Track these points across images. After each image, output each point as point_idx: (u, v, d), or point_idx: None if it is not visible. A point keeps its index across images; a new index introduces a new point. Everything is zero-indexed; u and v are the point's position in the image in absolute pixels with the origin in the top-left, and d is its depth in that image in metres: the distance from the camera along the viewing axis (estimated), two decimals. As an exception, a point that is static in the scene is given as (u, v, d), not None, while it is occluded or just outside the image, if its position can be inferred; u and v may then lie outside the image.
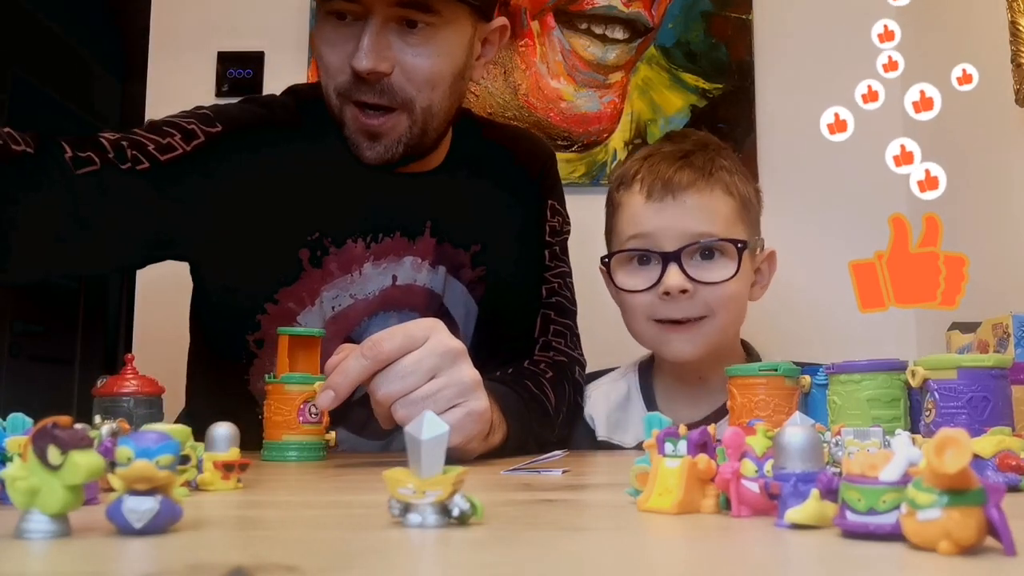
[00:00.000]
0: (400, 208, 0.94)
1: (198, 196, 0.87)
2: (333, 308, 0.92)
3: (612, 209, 1.02)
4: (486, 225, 0.99)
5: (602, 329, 1.18)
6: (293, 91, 1.00)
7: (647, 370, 1.07)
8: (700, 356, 0.96)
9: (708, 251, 0.94)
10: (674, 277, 0.93)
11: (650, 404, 1.04)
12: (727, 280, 0.94)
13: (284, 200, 0.90)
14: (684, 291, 0.93)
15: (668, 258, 0.93)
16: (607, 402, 1.05)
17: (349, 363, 0.65)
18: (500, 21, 0.94)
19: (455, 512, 0.32)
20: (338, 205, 0.92)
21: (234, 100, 0.99)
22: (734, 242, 0.95)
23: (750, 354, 1.06)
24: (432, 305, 0.96)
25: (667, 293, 0.93)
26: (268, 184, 0.90)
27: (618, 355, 1.15)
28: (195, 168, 0.86)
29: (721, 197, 0.97)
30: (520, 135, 1.13)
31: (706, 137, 1.06)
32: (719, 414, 0.97)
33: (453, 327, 0.98)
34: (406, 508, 0.32)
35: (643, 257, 0.96)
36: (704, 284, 0.93)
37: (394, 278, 0.94)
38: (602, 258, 1.02)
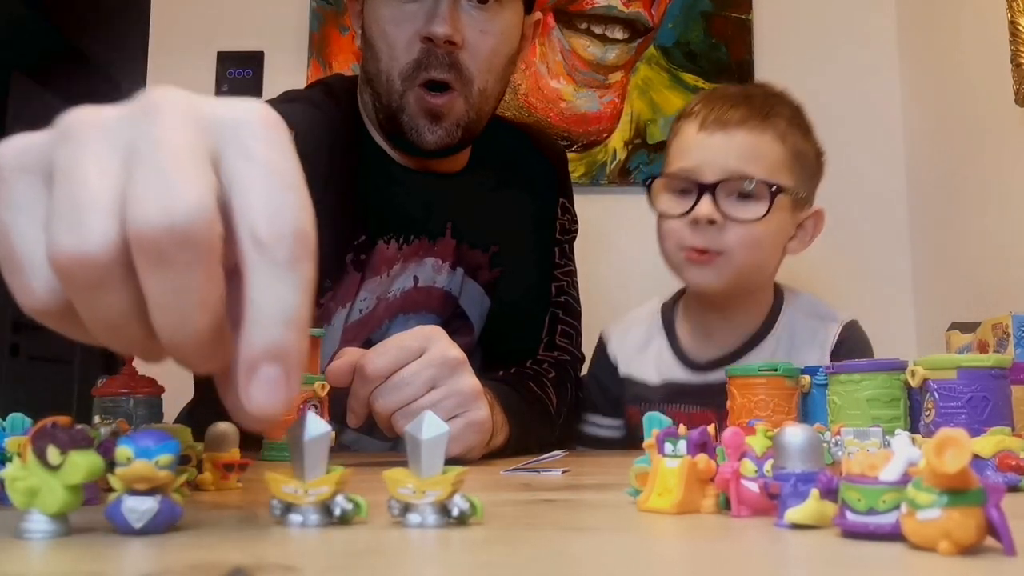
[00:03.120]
0: (426, 209, 0.94)
1: None
2: (361, 311, 0.92)
3: (670, 139, 1.07)
4: (504, 225, 0.99)
5: (598, 329, 1.18)
6: (326, 86, 0.99)
7: (670, 311, 1.11)
8: (718, 289, 1.01)
9: (746, 193, 0.97)
10: (705, 207, 0.96)
11: (672, 339, 1.08)
12: (755, 220, 0.97)
13: (336, 205, 0.89)
14: (712, 221, 0.96)
15: (703, 189, 0.97)
16: (629, 339, 1.10)
17: (355, 385, 0.65)
18: (537, 15, 0.96)
19: (455, 512, 0.32)
20: (376, 206, 0.92)
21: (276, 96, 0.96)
22: (769, 185, 0.97)
23: (777, 297, 1.08)
24: (448, 307, 0.97)
25: (696, 221, 0.97)
26: (325, 188, 0.90)
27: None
28: None
29: (770, 142, 1.00)
30: (535, 134, 1.14)
31: (776, 89, 1.09)
32: (735, 355, 1.04)
33: (468, 328, 0.98)
34: (406, 508, 0.32)
35: (684, 188, 1.00)
36: (732, 220, 0.97)
37: (415, 279, 0.94)
38: (645, 180, 1.06)
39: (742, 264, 0.99)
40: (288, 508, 0.32)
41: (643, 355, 1.09)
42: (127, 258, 0.27)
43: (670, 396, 1.05)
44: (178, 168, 0.28)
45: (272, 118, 0.31)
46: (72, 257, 0.27)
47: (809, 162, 1.04)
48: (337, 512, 0.32)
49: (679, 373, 1.06)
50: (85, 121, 0.29)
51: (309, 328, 0.30)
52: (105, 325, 0.29)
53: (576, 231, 1.10)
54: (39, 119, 0.31)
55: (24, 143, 0.30)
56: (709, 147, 0.99)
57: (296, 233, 0.29)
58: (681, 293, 1.13)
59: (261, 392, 0.29)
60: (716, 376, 1.00)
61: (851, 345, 1.04)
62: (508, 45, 0.90)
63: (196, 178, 0.28)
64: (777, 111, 1.01)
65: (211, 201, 0.28)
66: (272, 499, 0.33)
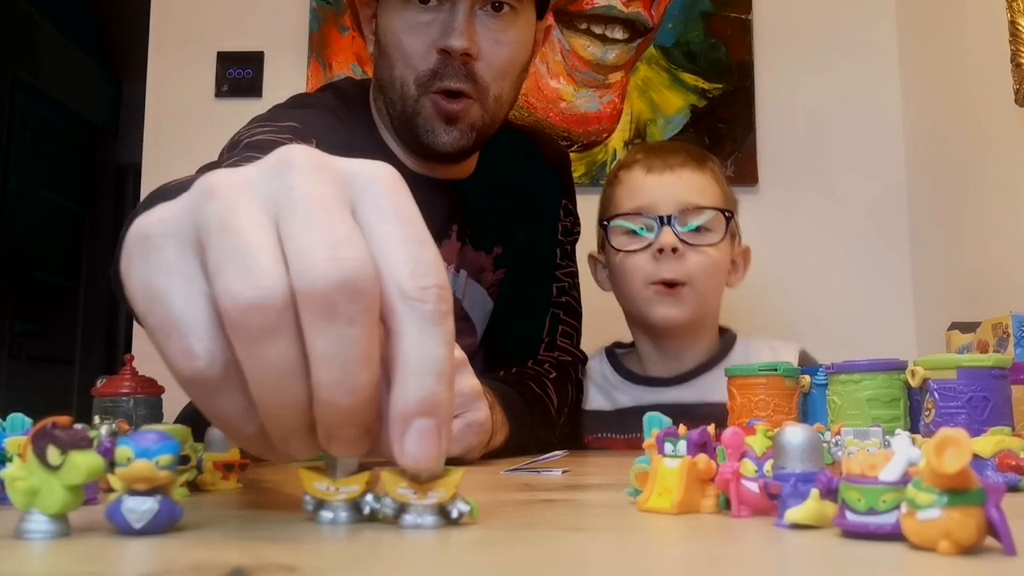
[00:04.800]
0: (435, 213, 0.95)
1: None
2: None
3: (612, 188, 1.13)
4: (507, 227, 1.00)
5: (598, 330, 1.18)
6: (337, 90, 0.99)
7: (613, 353, 1.16)
8: (684, 321, 1.06)
9: (696, 227, 1.05)
10: (668, 236, 1.03)
11: (618, 367, 1.14)
12: (714, 244, 1.05)
13: None
14: (675, 249, 1.03)
15: (663, 221, 1.04)
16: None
17: None
18: (548, 21, 0.96)
19: (454, 514, 0.32)
20: None
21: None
22: (722, 211, 1.06)
23: (723, 334, 1.15)
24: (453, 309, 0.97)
25: (661, 250, 1.03)
26: None
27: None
28: None
29: (710, 180, 1.09)
30: (539, 136, 1.15)
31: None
32: (683, 377, 1.10)
33: (471, 330, 0.99)
34: (401, 509, 0.32)
35: (637, 230, 1.06)
36: (692, 246, 1.04)
37: None
38: (600, 221, 1.11)
39: (704, 291, 1.06)
40: (320, 504, 0.33)
41: (593, 387, 1.13)
42: (295, 311, 0.28)
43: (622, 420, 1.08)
44: (335, 221, 0.28)
45: (398, 178, 0.31)
46: (249, 303, 0.27)
47: (734, 202, 1.13)
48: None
49: (632, 394, 1.10)
50: (226, 180, 0.30)
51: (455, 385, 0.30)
52: (273, 378, 0.28)
53: (578, 233, 1.11)
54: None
55: (167, 209, 0.30)
56: (660, 184, 1.06)
57: (439, 286, 0.29)
58: (618, 345, 1.18)
59: (415, 445, 0.29)
60: (671, 395, 1.07)
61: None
62: (523, 53, 0.91)
63: (355, 231, 0.28)
64: (709, 159, 1.13)
65: (370, 255, 0.28)
66: (305, 494, 0.33)
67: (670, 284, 1.04)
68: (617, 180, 1.12)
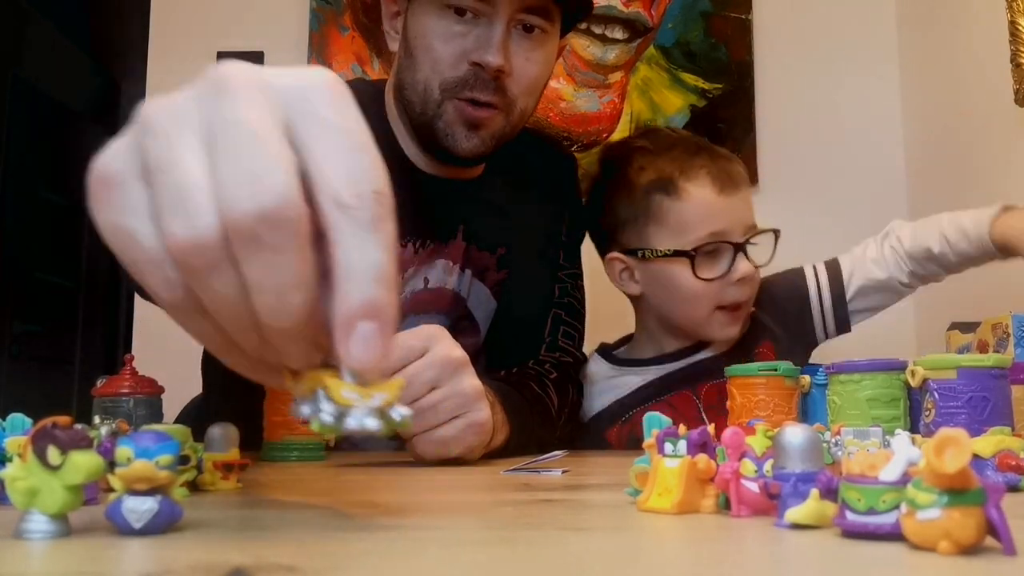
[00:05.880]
0: (442, 213, 0.95)
1: None
2: None
3: (674, 201, 1.03)
4: (512, 228, 1.01)
5: (601, 331, 1.18)
6: (351, 90, 0.99)
7: (608, 352, 1.14)
8: (737, 338, 1.06)
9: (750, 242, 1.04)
10: (746, 265, 1.02)
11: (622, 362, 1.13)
12: (763, 266, 1.05)
13: None
14: (751, 277, 1.02)
15: (738, 248, 1.02)
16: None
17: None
18: (565, 40, 0.97)
19: (396, 417, 0.31)
20: (397, 210, 0.93)
21: None
22: (774, 231, 1.06)
23: None
24: (457, 308, 0.97)
25: (742, 279, 1.01)
26: None
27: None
28: None
29: (749, 191, 1.07)
30: (545, 139, 1.16)
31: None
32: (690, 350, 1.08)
33: (475, 329, 0.99)
34: (342, 413, 0.31)
35: (715, 249, 1.02)
36: (758, 269, 1.04)
37: (426, 281, 0.95)
38: (678, 251, 1.02)
39: (750, 308, 1.06)
40: (343, 414, 0.31)
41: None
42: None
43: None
44: (259, 150, 0.28)
45: (336, 83, 0.31)
46: (188, 243, 0.28)
47: None
48: (397, 418, 0.32)
49: (642, 374, 1.10)
50: (161, 111, 0.30)
51: (396, 286, 0.31)
52: (223, 306, 0.30)
53: (583, 235, 1.11)
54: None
55: (116, 148, 0.31)
56: (731, 208, 1.03)
57: (376, 192, 0.30)
58: (607, 345, 1.17)
59: (359, 347, 0.30)
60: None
61: (773, 291, 1.11)
62: (548, 71, 0.93)
63: (278, 158, 0.29)
64: (738, 161, 1.09)
65: (295, 180, 0.29)
66: (304, 403, 0.32)
67: (735, 307, 1.03)
68: (682, 193, 1.02)
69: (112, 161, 0.31)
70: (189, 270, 0.29)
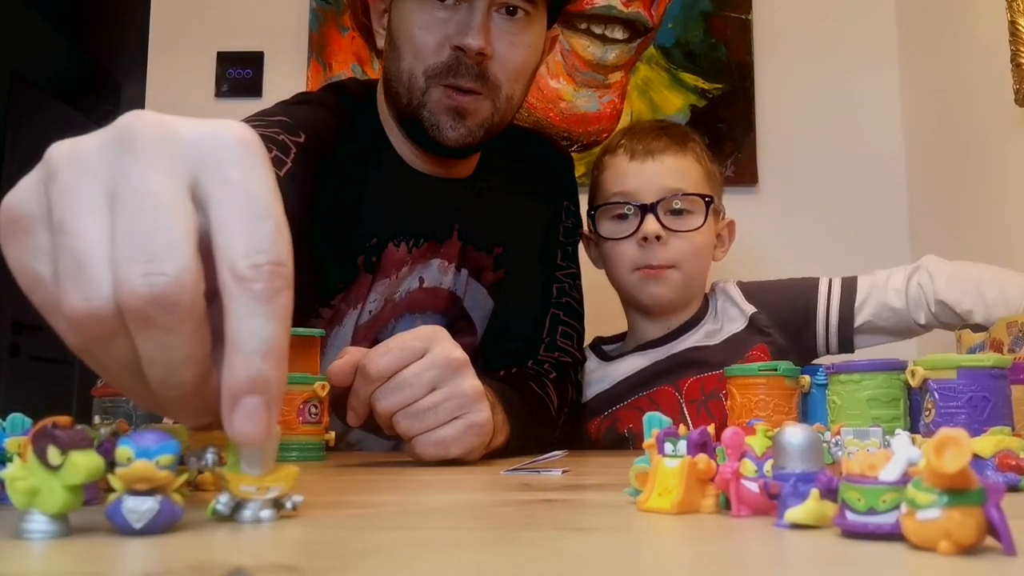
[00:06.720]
0: (437, 212, 0.95)
1: (291, 212, 0.87)
2: (370, 312, 0.93)
3: (598, 173, 1.15)
4: (509, 228, 1.01)
5: (599, 330, 1.19)
6: (342, 88, 0.99)
7: (599, 348, 1.17)
8: (672, 299, 1.10)
9: (678, 210, 1.07)
10: (651, 224, 1.06)
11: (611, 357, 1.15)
12: (695, 230, 1.07)
13: (348, 207, 0.90)
14: (659, 237, 1.06)
15: (646, 209, 1.06)
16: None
17: (357, 385, 0.65)
18: (555, 30, 0.97)
19: (289, 506, 0.33)
20: (389, 209, 0.93)
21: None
22: (703, 196, 1.08)
23: (706, 300, 1.17)
24: (454, 307, 0.97)
25: (645, 239, 1.06)
26: (337, 191, 0.90)
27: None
28: (293, 183, 0.81)
29: (692, 163, 1.11)
30: (542, 138, 1.16)
31: (683, 126, 1.25)
32: (672, 335, 1.12)
33: (471, 329, 0.99)
34: (239, 505, 0.32)
35: (623, 214, 1.09)
36: (675, 232, 1.07)
37: (421, 280, 0.95)
38: (588, 210, 1.14)
39: (690, 272, 1.09)
40: (240, 505, 0.33)
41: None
42: None
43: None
44: (158, 225, 0.28)
45: (248, 138, 0.31)
46: (83, 314, 0.29)
47: (718, 179, 1.15)
48: (289, 506, 0.33)
49: (628, 363, 1.12)
50: (67, 160, 0.30)
51: (287, 358, 0.31)
52: (118, 371, 0.31)
53: (580, 234, 1.12)
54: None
55: (25, 187, 0.31)
56: (643, 172, 1.08)
57: (272, 265, 0.29)
58: (601, 340, 1.19)
59: (243, 421, 0.30)
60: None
61: (752, 291, 1.14)
62: (534, 57, 0.92)
63: (177, 234, 0.28)
64: (691, 139, 1.13)
65: (193, 263, 0.29)
66: (219, 496, 0.33)
67: (655, 267, 1.07)
68: (603, 165, 1.14)
69: (21, 203, 0.30)
70: (84, 336, 0.29)
